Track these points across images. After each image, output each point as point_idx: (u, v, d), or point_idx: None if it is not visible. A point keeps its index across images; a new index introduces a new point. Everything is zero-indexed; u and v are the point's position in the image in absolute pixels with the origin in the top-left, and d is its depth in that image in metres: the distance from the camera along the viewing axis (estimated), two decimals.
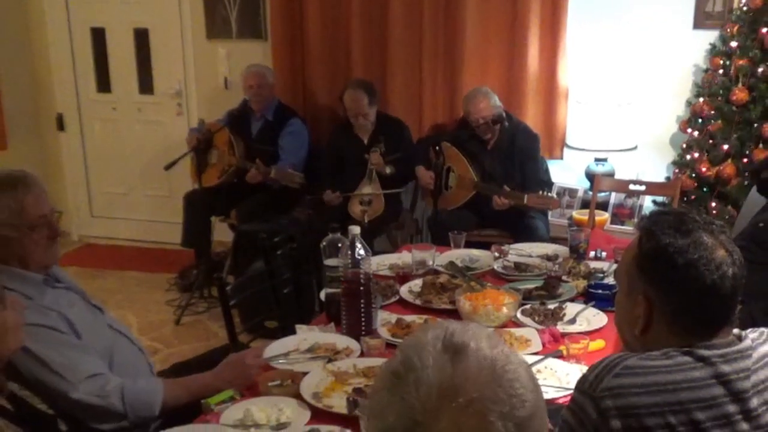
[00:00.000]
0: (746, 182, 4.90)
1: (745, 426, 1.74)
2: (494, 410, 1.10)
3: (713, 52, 5.42)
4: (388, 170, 5.69)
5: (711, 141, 5.22)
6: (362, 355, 2.87)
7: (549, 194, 5.06)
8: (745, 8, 5.19)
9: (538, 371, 2.71)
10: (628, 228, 5.53)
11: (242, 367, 2.68)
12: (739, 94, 5.04)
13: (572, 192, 5.99)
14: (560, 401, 2.49)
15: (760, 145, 4.97)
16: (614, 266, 3.50)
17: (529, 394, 1.14)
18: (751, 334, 1.88)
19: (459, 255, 3.93)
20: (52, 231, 2.68)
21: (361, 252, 3.04)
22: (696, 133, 5.37)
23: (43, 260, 2.68)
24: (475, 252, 4.00)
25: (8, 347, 2.16)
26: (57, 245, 2.76)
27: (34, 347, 2.43)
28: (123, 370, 2.71)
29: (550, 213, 5.59)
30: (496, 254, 3.91)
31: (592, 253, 3.89)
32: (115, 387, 2.56)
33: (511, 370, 1.15)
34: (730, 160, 5.08)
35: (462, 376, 1.11)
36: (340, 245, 3.21)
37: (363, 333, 2.97)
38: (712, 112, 5.23)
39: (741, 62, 5.08)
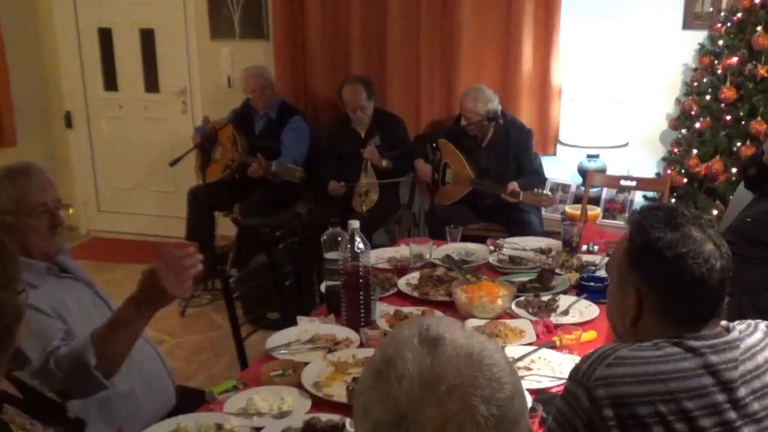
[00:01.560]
0: (734, 178, 4.90)
1: (733, 415, 1.74)
2: (476, 394, 1.10)
3: (702, 51, 5.41)
4: (384, 163, 5.70)
5: (700, 138, 5.22)
6: (361, 345, 2.87)
7: (544, 192, 5.06)
8: (733, 9, 5.19)
9: (532, 361, 2.72)
10: (620, 222, 5.54)
11: (153, 277, 2.39)
12: (727, 93, 5.04)
13: (565, 187, 5.99)
14: (554, 390, 2.49)
15: (748, 142, 4.97)
16: (606, 259, 3.50)
17: (507, 377, 1.15)
18: (739, 326, 1.88)
19: (455, 248, 3.93)
20: (53, 219, 2.67)
21: (361, 246, 3.04)
22: (685, 131, 5.37)
23: (44, 248, 2.66)
24: (471, 246, 4.00)
25: None
26: (60, 235, 2.74)
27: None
28: (130, 360, 2.70)
29: (543, 208, 5.60)
30: (492, 248, 3.91)
31: (584, 247, 3.89)
32: (50, 354, 2.43)
33: (488, 356, 1.15)
34: (718, 157, 5.08)
35: (441, 365, 1.12)
36: (339, 239, 3.21)
37: (362, 324, 2.97)
38: (701, 110, 5.23)
39: (729, 62, 5.07)
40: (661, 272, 1.81)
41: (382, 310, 3.16)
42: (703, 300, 1.82)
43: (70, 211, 2.84)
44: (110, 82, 7.35)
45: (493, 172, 5.40)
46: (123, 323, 2.45)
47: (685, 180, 5.25)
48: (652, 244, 1.81)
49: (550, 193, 5.25)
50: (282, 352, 2.85)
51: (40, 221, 2.63)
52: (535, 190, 4.99)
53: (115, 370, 2.48)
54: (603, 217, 5.70)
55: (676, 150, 5.42)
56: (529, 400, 2.38)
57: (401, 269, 3.64)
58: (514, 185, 5.05)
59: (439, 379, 1.11)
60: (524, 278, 3.50)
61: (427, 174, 5.45)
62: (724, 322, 1.87)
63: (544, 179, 5.73)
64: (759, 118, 4.89)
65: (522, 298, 3.27)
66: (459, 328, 1.21)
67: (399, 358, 1.15)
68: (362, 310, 2.99)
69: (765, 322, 1.94)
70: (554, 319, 3.08)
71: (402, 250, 3.94)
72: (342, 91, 5.87)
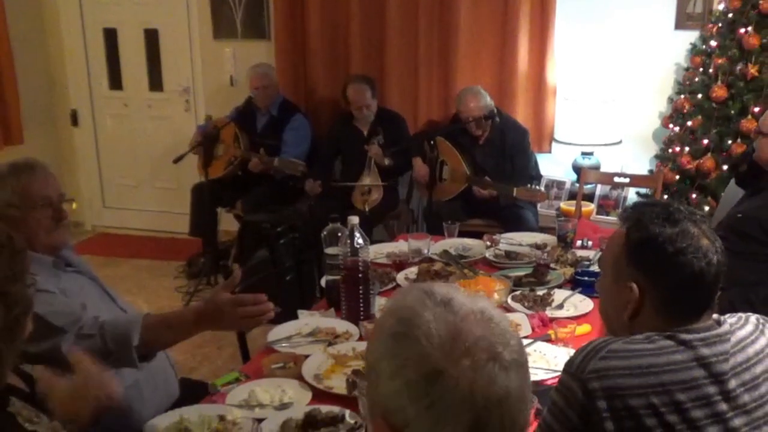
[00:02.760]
0: (725, 175, 4.90)
1: (724, 406, 1.74)
2: (498, 342, 1.19)
3: (694, 51, 5.42)
4: (386, 162, 5.69)
5: (692, 136, 5.22)
6: (361, 338, 2.87)
7: (537, 187, 5.07)
8: (724, 10, 5.18)
9: (528, 354, 2.69)
10: (613, 218, 5.52)
11: (219, 307, 2.39)
12: (719, 92, 5.04)
13: (560, 184, 5.99)
14: (549, 383, 2.49)
15: (739, 140, 4.96)
16: (600, 254, 3.50)
17: (508, 327, 1.25)
18: (730, 319, 1.88)
19: (453, 244, 3.93)
20: (56, 213, 2.66)
21: (360, 241, 3.03)
22: (677, 129, 5.37)
23: (49, 241, 2.66)
24: (468, 241, 3.99)
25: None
26: (64, 228, 2.73)
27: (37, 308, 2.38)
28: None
29: (539, 204, 5.59)
30: (488, 243, 3.91)
31: (578, 242, 3.89)
32: (92, 319, 2.48)
33: (490, 310, 1.24)
34: (709, 154, 5.08)
35: (462, 321, 1.19)
36: (339, 234, 3.21)
37: (362, 318, 2.96)
38: (693, 108, 5.23)
39: (720, 61, 5.07)
40: (662, 267, 1.80)
41: (381, 304, 3.15)
42: (701, 293, 1.81)
43: (74, 205, 2.84)
44: (115, 81, 7.34)
45: (490, 169, 5.40)
46: (174, 327, 2.49)
47: (678, 177, 5.25)
48: (653, 239, 1.80)
49: (543, 189, 5.26)
50: (283, 345, 2.85)
51: (44, 215, 2.63)
52: (529, 185, 4.99)
53: (150, 358, 2.52)
54: (597, 213, 5.70)
55: (668, 147, 5.42)
56: None
57: (400, 264, 3.64)
58: (483, 193, 5.23)
59: (464, 332, 1.18)
60: (520, 273, 3.50)
61: (423, 173, 5.45)
62: (715, 315, 1.86)
63: (540, 176, 5.73)
64: (749, 117, 4.89)
65: (518, 292, 3.26)
66: (456, 289, 1.28)
67: (419, 319, 1.20)
68: (362, 304, 2.99)
69: (755, 315, 1.93)
70: (549, 312, 3.08)
71: (401, 246, 3.93)
72: (346, 90, 5.86)
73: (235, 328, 2.49)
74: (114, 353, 2.43)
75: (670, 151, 5.38)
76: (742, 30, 4.99)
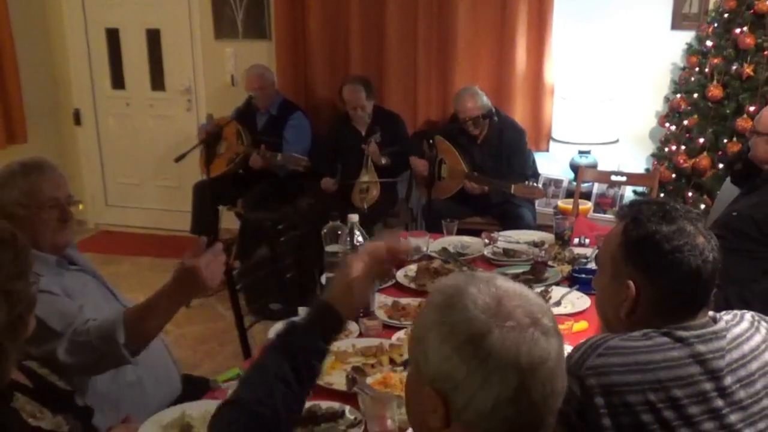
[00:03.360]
0: (721, 173, 4.90)
1: (720, 402, 1.74)
2: (536, 310, 1.29)
3: (690, 51, 5.41)
4: (383, 160, 5.69)
5: (688, 135, 5.21)
6: (360, 335, 2.87)
7: (535, 184, 5.07)
8: (719, 10, 5.18)
9: None
10: (610, 216, 5.53)
11: (191, 273, 2.39)
12: (714, 91, 5.04)
13: (557, 182, 5.99)
14: None
15: (734, 139, 4.96)
16: (597, 252, 3.50)
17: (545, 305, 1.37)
18: (725, 316, 1.88)
19: (451, 242, 3.93)
20: (62, 214, 2.66)
21: (360, 239, 3.04)
22: (674, 128, 5.37)
23: (53, 240, 2.66)
24: (467, 239, 3.99)
25: None
26: (69, 229, 2.73)
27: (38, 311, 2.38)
28: None
29: (536, 202, 5.60)
30: (486, 241, 3.91)
31: (576, 240, 3.90)
32: (83, 323, 2.46)
33: (531, 292, 1.36)
34: (705, 153, 5.07)
35: (504, 291, 1.30)
36: (339, 232, 3.21)
37: (361, 315, 2.96)
38: (689, 107, 5.22)
39: (716, 61, 5.07)
40: (659, 265, 1.80)
41: (381, 301, 3.16)
42: (697, 291, 1.81)
43: (80, 206, 2.83)
44: (118, 80, 7.33)
45: (487, 168, 5.40)
46: (154, 310, 2.46)
47: (674, 175, 5.25)
48: (650, 237, 1.80)
49: (540, 186, 5.26)
50: None
51: (50, 215, 2.62)
52: (526, 182, 4.99)
53: (141, 349, 2.50)
54: (594, 211, 5.69)
55: (665, 146, 5.42)
56: None
57: (399, 261, 3.63)
58: (473, 186, 5.26)
59: (506, 300, 1.28)
60: (518, 270, 3.49)
61: (423, 169, 5.44)
62: (711, 313, 1.86)
63: (537, 175, 5.73)
64: (745, 116, 4.88)
65: None
66: (495, 274, 1.41)
67: (465, 292, 1.29)
68: None
69: (751, 312, 1.93)
70: None
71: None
72: (342, 90, 5.86)
73: (211, 285, 2.44)
74: (105, 355, 2.43)
75: (666, 149, 5.38)
76: (738, 30, 4.98)
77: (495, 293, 1.29)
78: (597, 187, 5.80)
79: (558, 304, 3.15)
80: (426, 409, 1.30)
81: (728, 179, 4.12)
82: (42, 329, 2.40)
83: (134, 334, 2.43)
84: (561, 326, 2.75)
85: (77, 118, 7.41)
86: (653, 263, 1.81)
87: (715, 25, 5.18)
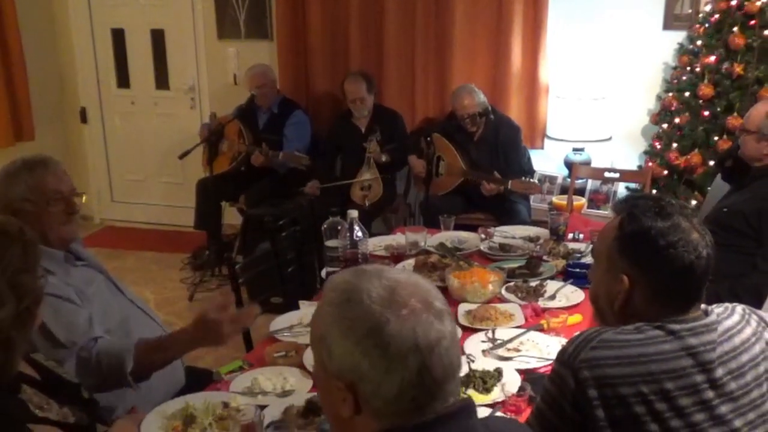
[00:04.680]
0: (711, 170, 4.89)
1: (711, 394, 1.74)
2: (427, 296, 1.35)
3: (681, 51, 5.41)
4: (384, 158, 5.68)
5: (679, 132, 5.21)
6: None
7: (531, 180, 5.07)
8: (710, 11, 5.17)
9: (521, 343, 2.71)
10: (604, 212, 5.53)
11: (212, 326, 2.44)
12: (705, 90, 5.03)
13: (552, 179, 5.99)
14: (541, 370, 2.49)
15: (724, 137, 4.96)
16: (591, 247, 3.50)
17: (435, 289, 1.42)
18: (717, 309, 1.88)
19: (448, 236, 3.93)
20: (69, 207, 2.66)
21: (359, 234, 3.04)
22: (665, 125, 5.36)
23: (61, 233, 2.65)
24: (464, 234, 3.99)
25: None
26: (75, 223, 2.73)
27: (45, 317, 2.38)
28: None
29: (532, 198, 5.60)
30: (483, 236, 3.91)
31: (570, 235, 3.89)
32: (91, 346, 2.48)
33: (420, 279, 1.41)
34: (696, 150, 5.07)
35: (396, 282, 1.35)
36: (339, 228, 3.21)
37: None
38: (681, 106, 5.22)
39: (707, 60, 5.06)
40: (653, 259, 1.79)
41: None
42: (691, 285, 1.81)
43: (84, 198, 2.84)
44: (123, 79, 7.32)
45: (484, 165, 5.39)
46: (167, 351, 2.54)
47: (666, 172, 5.25)
48: (645, 232, 1.80)
49: (536, 181, 5.26)
50: (285, 334, 2.85)
51: (56, 208, 2.62)
52: (523, 178, 4.99)
53: (144, 379, 2.54)
54: (588, 207, 5.69)
55: (657, 144, 5.42)
56: (518, 380, 2.39)
57: (397, 256, 3.64)
58: (492, 187, 5.16)
59: (398, 290, 1.33)
60: (514, 265, 3.50)
61: (421, 170, 5.44)
62: (703, 306, 1.86)
63: (532, 172, 5.73)
64: (735, 114, 4.88)
65: (511, 284, 3.27)
66: (382, 266, 1.44)
67: (359, 287, 1.34)
68: None
69: (741, 306, 1.93)
70: (542, 303, 3.08)
71: (398, 238, 3.93)
72: (344, 83, 5.86)
73: (217, 339, 2.47)
74: (110, 378, 2.46)
75: (658, 147, 5.38)
76: (728, 30, 4.98)
77: (387, 285, 1.33)
78: (591, 184, 5.80)
79: (553, 297, 3.16)
80: (336, 401, 1.34)
81: (719, 176, 4.12)
82: (47, 336, 2.41)
83: (142, 367, 2.48)
84: (556, 319, 2.78)
85: (83, 117, 7.40)
86: (647, 258, 1.80)
87: (707, 25, 5.17)
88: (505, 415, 2.19)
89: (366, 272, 1.38)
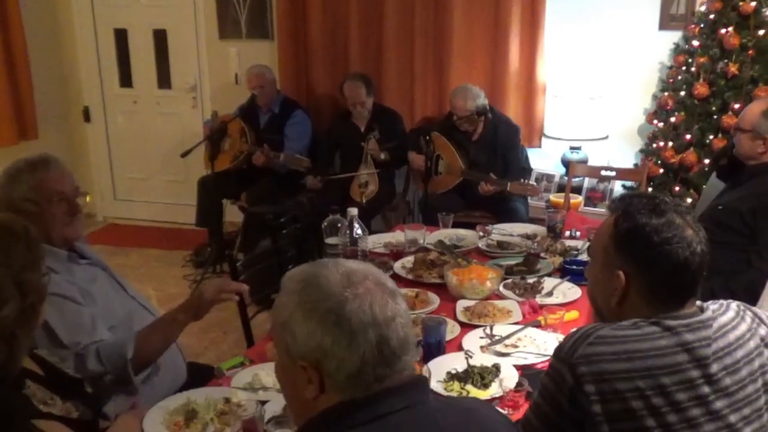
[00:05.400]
0: (707, 169, 4.90)
1: (706, 389, 1.73)
2: (379, 277, 1.46)
3: (677, 50, 5.41)
4: (382, 156, 5.69)
5: (675, 131, 5.21)
6: None
7: (530, 183, 5.06)
8: (706, 11, 5.17)
9: (519, 339, 2.71)
10: (600, 210, 5.53)
11: (202, 301, 2.63)
12: (701, 89, 5.03)
13: (549, 177, 5.98)
14: (539, 366, 2.49)
15: (720, 135, 4.96)
16: (587, 244, 3.49)
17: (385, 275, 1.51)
18: (712, 306, 1.87)
19: (447, 234, 3.93)
20: (71, 207, 2.65)
21: (359, 231, 3.04)
22: (661, 124, 5.36)
23: (64, 233, 2.65)
24: (462, 231, 3.99)
25: None
26: (78, 222, 2.72)
27: (50, 317, 2.38)
28: None
29: (529, 197, 5.59)
30: (481, 234, 3.91)
31: (567, 233, 3.90)
32: (91, 349, 2.49)
33: (371, 266, 1.51)
34: (692, 149, 5.07)
35: (351, 269, 1.44)
36: (339, 225, 3.21)
37: None
38: (676, 105, 5.22)
39: (702, 60, 5.06)
40: (648, 256, 1.79)
41: None
42: (685, 282, 1.81)
43: (87, 198, 2.82)
44: (126, 79, 7.32)
45: (482, 163, 5.39)
46: (165, 327, 2.62)
47: (662, 170, 5.25)
48: (640, 229, 1.80)
49: (535, 183, 5.25)
50: None
51: (59, 208, 2.61)
52: (521, 180, 4.99)
53: (143, 368, 2.57)
54: (585, 205, 5.70)
55: (653, 142, 5.42)
56: (516, 375, 2.40)
57: (397, 253, 3.64)
58: (489, 189, 5.14)
59: (353, 273, 1.43)
60: (511, 262, 3.50)
61: (421, 164, 5.43)
62: (698, 302, 1.86)
63: (530, 170, 5.73)
64: (730, 113, 4.88)
65: (509, 281, 3.27)
66: (338, 258, 1.54)
67: (319, 274, 1.43)
68: None
69: (736, 302, 1.93)
70: (539, 300, 3.08)
71: (397, 236, 3.93)
72: (343, 86, 5.85)
73: (203, 310, 2.64)
74: (112, 372, 2.48)
75: (654, 145, 5.37)
76: (723, 30, 4.98)
77: (344, 271, 1.43)
78: (587, 182, 5.80)
79: (550, 294, 3.16)
80: (301, 384, 1.40)
81: (714, 174, 4.11)
82: (51, 336, 2.41)
83: (143, 353, 2.53)
84: (553, 316, 2.78)
85: (87, 116, 7.40)
86: (642, 254, 1.80)
87: (702, 25, 5.17)
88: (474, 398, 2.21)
89: (321, 262, 1.47)
